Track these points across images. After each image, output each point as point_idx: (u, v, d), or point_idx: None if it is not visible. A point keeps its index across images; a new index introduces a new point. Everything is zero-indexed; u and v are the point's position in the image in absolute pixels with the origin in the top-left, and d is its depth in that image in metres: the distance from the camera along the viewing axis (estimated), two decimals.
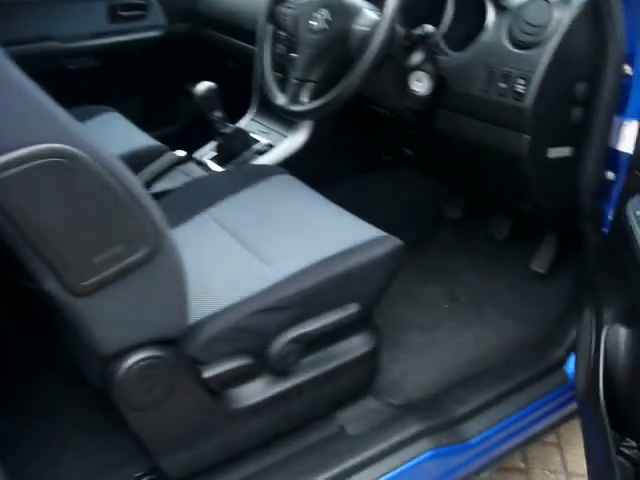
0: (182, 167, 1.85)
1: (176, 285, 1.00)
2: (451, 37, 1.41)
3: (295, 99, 1.40)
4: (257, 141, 1.89)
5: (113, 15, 2.28)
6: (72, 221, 0.84)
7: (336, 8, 1.34)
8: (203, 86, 1.70)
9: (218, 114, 1.74)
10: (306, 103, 1.39)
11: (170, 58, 2.44)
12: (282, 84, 1.47)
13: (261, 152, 1.84)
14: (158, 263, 0.94)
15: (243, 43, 2.13)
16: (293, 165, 1.71)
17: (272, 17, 1.52)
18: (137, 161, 1.76)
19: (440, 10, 1.42)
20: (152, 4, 2.34)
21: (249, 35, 2.02)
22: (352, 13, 1.33)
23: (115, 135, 1.94)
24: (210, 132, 1.83)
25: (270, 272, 1.19)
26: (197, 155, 1.92)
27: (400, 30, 1.32)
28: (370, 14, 1.32)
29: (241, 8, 2.13)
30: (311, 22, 1.38)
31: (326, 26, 1.35)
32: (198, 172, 1.84)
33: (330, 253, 1.23)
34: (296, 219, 1.36)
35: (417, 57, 1.38)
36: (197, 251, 1.24)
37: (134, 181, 0.91)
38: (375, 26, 1.27)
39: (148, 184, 1.68)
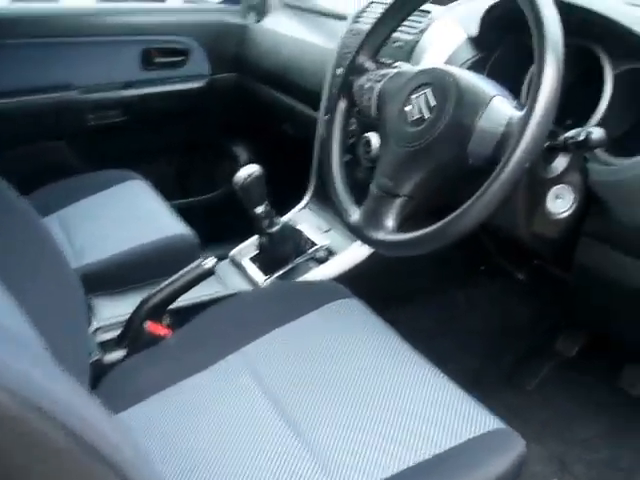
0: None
1: None
2: (612, 136, 0.95)
3: (376, 220, 0.92)
4: (313, 244, 1.43)
5: (147, 61, 1.90)
6: None
7: (447, 90, 0.88)
8: (244, 173, 1.26)
9: (262, 209, 1.29)
10: (392, 230, 0.91)
11: (212, 114, 2.05)
12: (358, 192, 1.01)
13: (318, 260, 1.39)
14: None
15: (302, 105, 1.70)
16: (358, 280, 1.31)
17: (347, 90, 1.06)
18: (159, 257, 1.39)
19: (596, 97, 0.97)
20: (194, 49, 1.95)
21: (310, 97, 1.60)
22: (474, 102, 0.85)
23: (136, 214, 1.55)
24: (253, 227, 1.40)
25: None
26: (235, 253, 1.48)
27: None
28: (504, 106, 0.84)
29: (298, 64, 1.70)
30: (406, 108, 0.93)
31: (429, 114, 0.89)
32: (234, 279, 1.44)
33: (417, 460, 0.82)
34: (373, 386, 0.94)
35: (560, 164, 0.92)
36: (217, 432, 0.89)
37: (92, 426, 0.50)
38: (517, 125, 0.79)
39: (173, 297, 1.24)
